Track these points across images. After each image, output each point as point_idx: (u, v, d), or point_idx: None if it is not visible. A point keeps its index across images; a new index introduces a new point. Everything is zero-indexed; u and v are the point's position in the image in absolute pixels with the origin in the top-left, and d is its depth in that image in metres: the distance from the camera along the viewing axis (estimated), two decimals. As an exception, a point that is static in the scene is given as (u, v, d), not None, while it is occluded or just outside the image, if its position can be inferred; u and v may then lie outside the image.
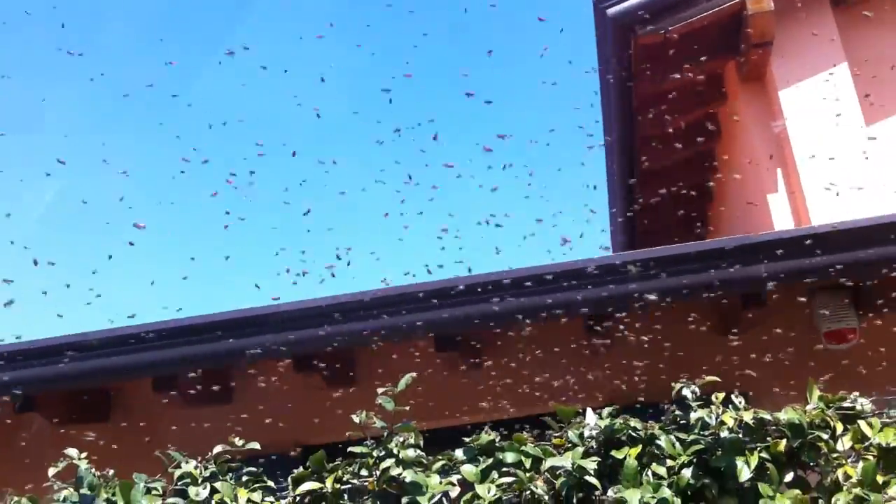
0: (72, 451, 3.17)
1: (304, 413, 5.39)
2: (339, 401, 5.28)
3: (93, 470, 3.17)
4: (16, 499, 3.21)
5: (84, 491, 3.12)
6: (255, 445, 3.27)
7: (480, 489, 3.08)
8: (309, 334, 5.05)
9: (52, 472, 3.18)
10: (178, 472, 3.21)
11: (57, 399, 5.11)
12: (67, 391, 5.09)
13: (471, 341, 5.46)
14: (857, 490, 2.88)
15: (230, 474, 3.23)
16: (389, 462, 3.13)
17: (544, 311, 4.93)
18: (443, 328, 5.10)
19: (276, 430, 5.05)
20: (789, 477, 3.04)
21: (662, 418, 3.22)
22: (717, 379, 3.19)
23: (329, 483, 3.16)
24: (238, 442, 3.26)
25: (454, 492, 3.15)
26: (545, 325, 5.24)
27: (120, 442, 5.00)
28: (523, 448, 3.18)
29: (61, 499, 3.15)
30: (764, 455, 3.05)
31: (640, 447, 3.11)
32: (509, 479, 3.10)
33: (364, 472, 3.22)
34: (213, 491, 3.16)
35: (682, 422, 3.19)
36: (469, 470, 3.15)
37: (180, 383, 5.31)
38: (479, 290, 5.00)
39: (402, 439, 3.20)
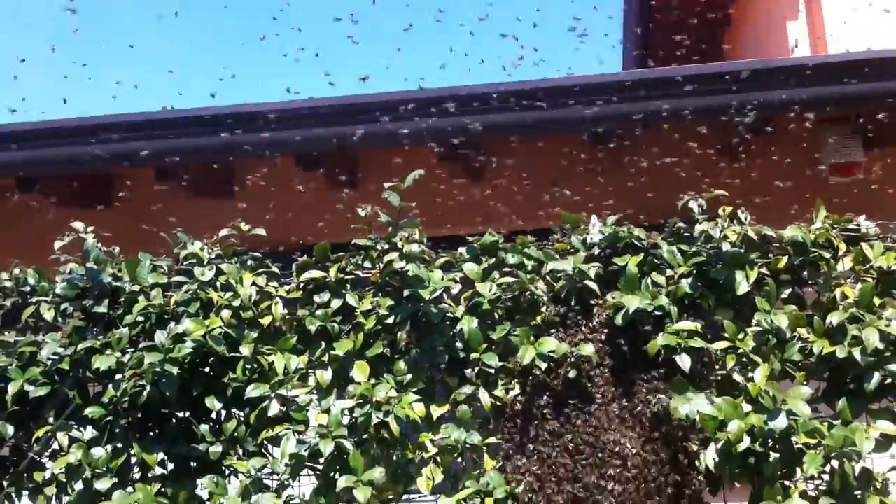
0: (78, 225, 3.18)
1: (305, 213, 5.42)
2: (341, 203, 5.30)
3: (99, 245, 3.19)
4: (21, 269, 3.24)
5: (90, 265, 3.15)
6: (261, 231, 3.29)
7: (481, 287, 3.12)
8: (312, 134, 5.01)
9: (58, 245, 3.20)
10: (183, 253, 3.23)
11: (59, 182, 5.10)
12: (70, 175, 5.08)
13: (475, 153, 5.42)
14: (853, 310, 2.92)
15: (235, 258, 3.26)
16: (393, 255, 3.15)
17: (550, 125, 4.89)
18: (447, 135, 5.05)
19: (278, 227, 5.08)
20: (787, 293, 3.07)
21: (665, 229, 3.23)
22: (725, 193, 3.18)
23: (332, 272, 3.19)
24: (244, 227, 3.27)
25: (455, 288, 3.19)
26: (552, 140, 5.21)
27: (120, 227, 5.04)
28: (526, 250, 3.20)
29: (67, 271, 3.18)
30: (764, 271, 3.07)
31: (641, 256, 3.13)
32: (510, 280, 3.13)
33: (367, 265, 3.25)
34: (219, 272, 3.19)
35: (685, 234, 3.20)
36: (471, 268, 3.18)
37: (183, 174, 5.31)
38: (486, 99, 4.93)
39: (406, 234, 3.22)
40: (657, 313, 3.00)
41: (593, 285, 3.08)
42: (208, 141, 4.84)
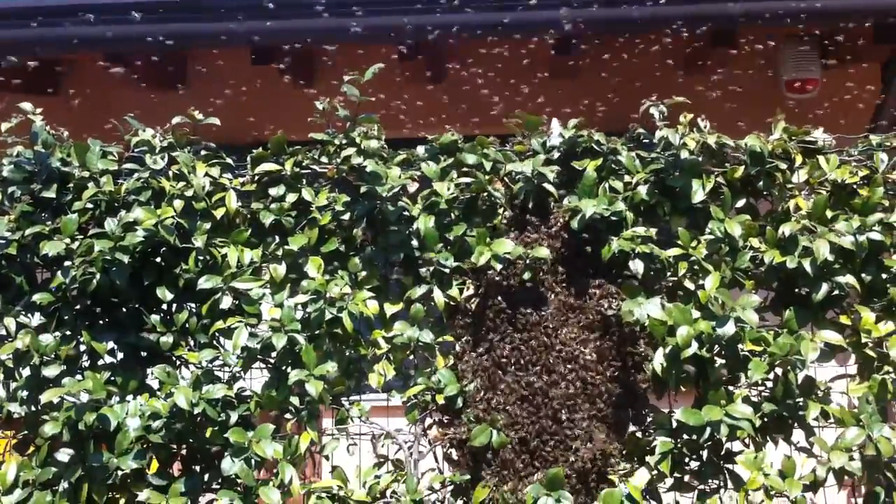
0: (26, 106, 3.07)
1: (260, 108, 5.32)
2: (298, 99, 5.19)
3: (48, 128, 3.09)
4: (-34, 149, 3.14)
5: (38, 148, 3.06)
6: (215, 121, 3.20)
7: (439, 186, 3.09)
8: (267, 26, 4.88)
9: (4, 126, 3.09)
10: (134, 140, 3.15)
11: (5, 67, 4.92)
12: (16, 59, 4.89)
13: (435, 54, 5.34)
14: (806, 221, 2.95)
15: (188, 147, 3.18)
16: (351, 150, 3.11)
17: (510, 28, 4.82)
18: (406, 35, 4.96)
19: (232, 121, 4.98)
20: (741, 203, 3.10)
21: (625, 135, 3.22)
22: (687, 100, 3.16)
23: (288, 166, 3.14)
24: (198, 115, 3.18)
25: (412, 187, 3.16)
26: (512, 45, 5.14)
27: (69, 114, 4.90)
28: (485, 151, 3.17)
29: (15, 154, 3.09)
30: (720, 180, 3.09)
31: (600, 160, 3.12)
32: (468, 180, 3.11)
33: (324, 159, 3.20)
34: (171, 161, 3.12)
35: (644, 141, 3.19)
36: (429, 167, 3.15)
37: (133, 62, 5.16)
38: (449, -1, 4.83)
39: (364, 130, 3.16)
40: (613, 218, 3.01)
41: (551, 188, 3.07)
42: (158, 28, 4.69)
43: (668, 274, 2.99)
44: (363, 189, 3.07)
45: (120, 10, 4.80)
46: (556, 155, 3.17)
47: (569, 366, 2.90)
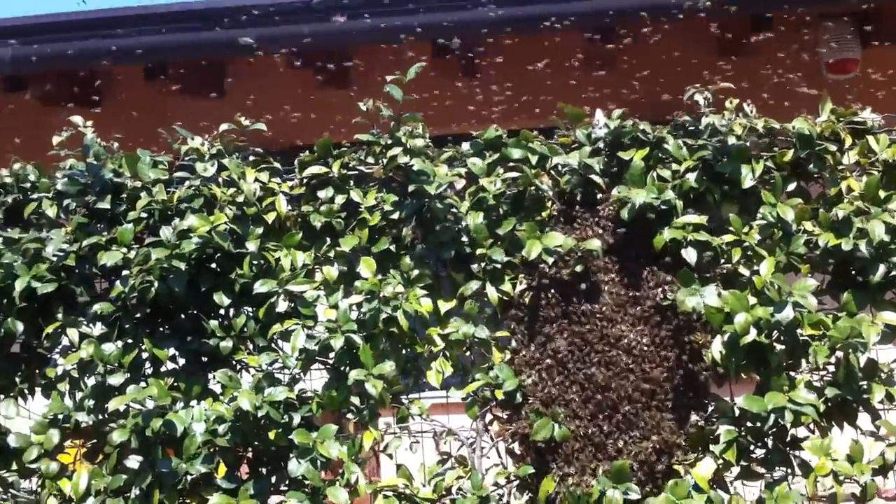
0: (77, 119, 3.12)
1: (299, 112, 5.35)
2: (335, 103, 5.22)
3: (98, 140, 3.14)
4: (21, 165, 3.20)
5: (91, 160, 3.11)
6: (262, 127, 3.24)
7: (485, 182, 3.11)
8: (302, 30, 4.91)
9: (56, 140, 3.15)
10: (184, 148, 3.19)
11: (49, 80, 4.99)
12: (60, 72, 4.97)
13: (470, 50, 5.35)
14: (859, 203, 2.93)
15: (236, 154, 3.22)
16: (397, 150, 3.12)
17: (544, 20, 4.81)
18: (441, 33, 4.97)
19: (272, 127, 5.03)
20: (792, 187, 3.08)
21: (671, 123, 3.21)
22: (731, 86, 3.15)
23: (335, 168, 3.17)
24: (244, 122, 3.22)
25: (459, 183, 3.17)
26: (547, 37, 5.13)
27: (113, 126, 4.95)
28: (530, 145, 3.18)
29: (68, 167, 3.14)
30: (769, 164, 3.07)
31: (647, 150, 3.11)
32: (514, 175, 3.12)
33: (370, 160, 3.22)
34: (221, 168, 3.16)
35: (690, 128, 3.18)
36: (475, 162, 3.16)
37: (172, 72, 5.22)
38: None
39: (409, 129, 3.18)
40: (663, 207, 3.00)
41: (599, 179, 3.08)
42: (199, 37, 4.73)
43: (722, 261, 2.98)
44: (411, 188, 3.09)
45: (159, 21, 4.86)
46: (601, 146, 3.17)
47: (627, 357, 2.90)
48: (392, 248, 3.10)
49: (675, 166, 3.10)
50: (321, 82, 5.43)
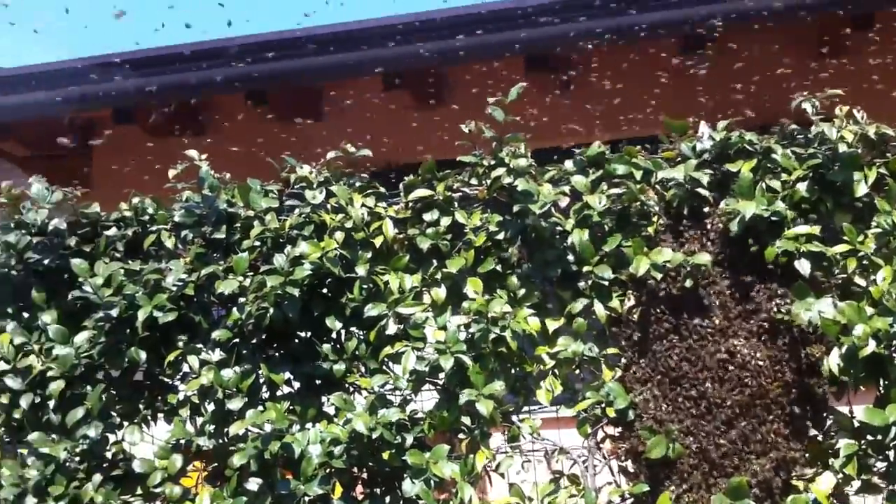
0: (192, 153, 3.24)
1: (396, 133, 5.43)
2: (430, 121, 5.30)
3: (212, 172, 3.24)
4: (140, 199, 3.33)
5: (206, 192, 3.21)
6: (367, 153, 3.30)
7: (591, 199, 3.10)
8: (399, 52, 4.99)
9: (172, 173, 3.27)
10: (293, 177, 3.27)
11: (152, 112, 5.18)
12: (162, 104, 5.15)
13: (562, 62, 5.35)
14: (979, 204, 2.84)
15: (343, 180, 3.29)
16: (501, 171, 3.15)
17: (641, 29, 4.78)
18: (535, 46, 4.99)
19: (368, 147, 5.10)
20: (907, 192, 2.99)
21: (778, 132, 3.16)
22: (840, 92, 3.08)
23: (440, 190, 3.21)
24: (350, 149, 3.29)
25: (563, 202, 3.18)
26: (642, 46, 5.11)
27: (218, 152, 5.11)
28: (634, 160, 3.17)
29: (184, 199, 3.26)
30: (883, 171, 3.00)
31: (755, 161, 3.07)
32: (619, 191, 3.11)
33: (474, 181, 3.25)
34: (329, 195, 3.23)
35: (798, 136, 3.12)
36: (579, 180, 3.16)
37: (272, 99, 5.36)
38: (573, 6, 4.84)
39: (512, 149, 3.20)
40: (773, 219, 2.95)
41: (706, 192, 3.04)
42: (301, 63, 4.85)
43: (836, 272, 2.92)
44: (515, 208, 3.11)
45: (255, 50, 5.00)
46: (707, 158, 3.13)
47: (741, 372, 2.86)
48: (498, 267, 3.12)
49: (784, 176, 3.05)
50: (415, 102, 5.50)
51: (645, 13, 4.92)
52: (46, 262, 3.21)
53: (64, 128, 5.21)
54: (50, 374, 3.09)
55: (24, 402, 3.09)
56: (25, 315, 3.23)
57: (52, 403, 3.10)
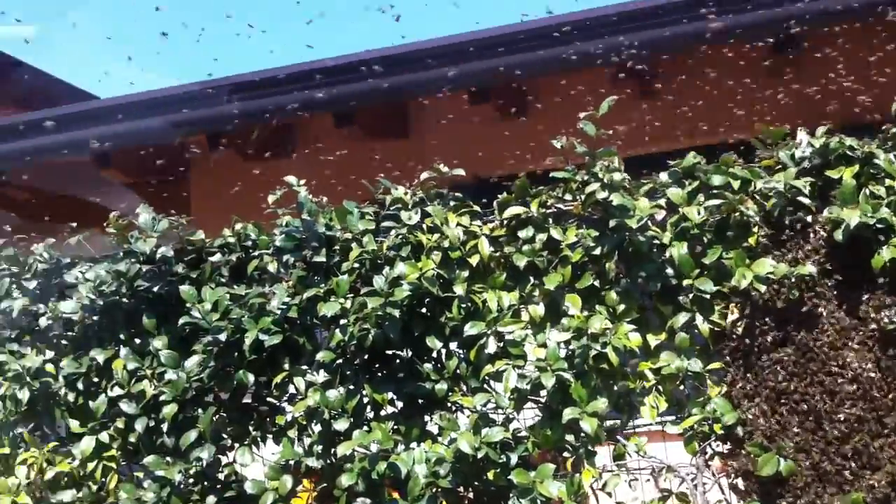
0: (291, 179, 3.31)
1: (481, 145, 5.45)
2: (517, 132, 5.31)
3: (310, 197, 3.31)
4: (242, 225, 3.41)
5: (305, 216, 3.28)
6: (461, 172, 3.33)
7: (688, 211, 3.07)
8: (485, 65, 5.00)
9: (271, 199, 3.34)
10: (389, 198, 3.32)
11: (246, 135, 5.30)
12: (251, 128, 5.25)
13: (652, 69, 5.30)
14: None
15: (437, 200, 3.32)
16: (595, 186, 3.14)
17: (735, 31, 4.70)
18: (618, 54, 4.95)
19: (452, 161, 5.13)
20: None
21: (879, 136, 3.09)
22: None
23: (534, 207, 3.22)
24: (443, 168, 3.32)
25: (660, 214, 3.16)
26: (732, 47, 5.02)
27: (308, 172, 5.20)
28: (731, 170, 3.13)
29: (284, 224, 3.33)
30: None
31: (856, 167, 3.00)
32: (717, 202, 3.07)
33: (568, 197, 3.25)
34: (425, 215, 3.27)
35: (903, 140, 3.04)
36: (676, 192, 3.13)
37: (359, 117, 5.43)
38: (655, 13, 4.79)
39: (605, 164, 3.19)
40: (879, 226, 2.88)
41: (807, 201, 2.99)
42: (383, 83, 4.90)
43: (949, 279, 2.83)
44: (612, 223, 3.09)
45: (343, 71, 5.07)
46: (807, 166, 3.08)
47: (852, 385, 2.80)
48: (596, 283, 3.11)
49: (888, 182, 2.98)
50: (501, 115, 5.51)
51: (737, 14, 4.83)
52: (156, 289, 3.31)
53: (162, 154, 5.37)
54: (163, 398, 3.19)
55: (139, 425, 3.20)
56: (137, 341, 3.34)
57: (165, 427, 3.20)
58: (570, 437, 2.95)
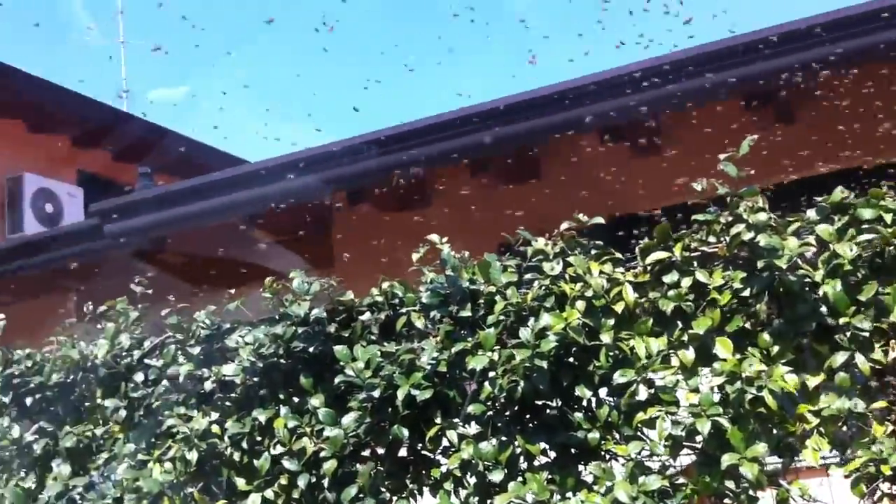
0: (433, 237, 3.40)
1: (612, 182, 5.45)
2: (649, 168, 5.29)
3: (453, 253, 3.39)
4: (389, 283, 3.52)
5: (449, 272, 3.36)
6: (600, 220, 3.35)
7: (839, 248, 3.00)
8: (618, 104, 5.02)
9: (415, 257, 3.45)
10: (530, 250, 3.36)
11: (385, 188, 5.44)
12: (389, 180, 5.38)
13: (782, 97, 5.20)
14: None
15: (578, 248, 3.35)
16: (740, 227, 3.10)
17: (876, 51, 4.58)
18: (753, 83, 4.89)
19: (587, 201, 5.15)
20: None
21: None
22: None
23: (677, 252, 3.20)
24: (582, 218, 3.35)
25: (809, 252, 3.09)
26: (870, 69, 4.89)
27: (443, 222, 5.31)
28: (881, 203, 3.04)
29: (428, 280, 3.42)
30: None
31: None
32: (869, 236, 2.99)
33: (711, 239, 3.22)
34: (566, 265, 3.29)
35: None
36: (824, 229, 3.06)
37: (493, 164, 5.52)
38: (798, 36, 4.71)
39: (749, 204, 3.15)
40: None
41: (970, 231, 2.87)
42: (522, 127, 4.97)
43: None
44: (760, 263, 3.05)
45: (473, 119, 5.17)
46: (964, 193, 2.97)
47: None
48: (747, 325, 3.07)
49: None
50: (632, 151, 5.50)
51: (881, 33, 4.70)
52: (311, 349, 3.45)
53: (307, 210, 5.59)
54: (322, 454, 3.30)
55: (302, 482, 3.31)
56: (296, 400, 3.47)
57: (326, 482, 3.31)
58: (730, 483, 2.91)
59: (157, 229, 5.77)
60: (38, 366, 4.00)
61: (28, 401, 3.98)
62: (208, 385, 3.58)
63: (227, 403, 3.57)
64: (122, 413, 3.73)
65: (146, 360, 3.77)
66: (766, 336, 3.03)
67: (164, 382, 3.68)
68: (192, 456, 3.48)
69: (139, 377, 3.74)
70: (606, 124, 5.21)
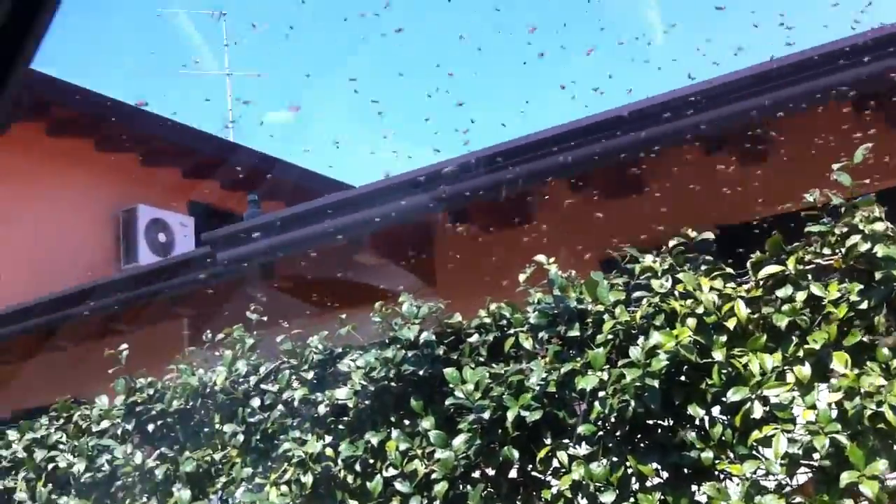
0: (540, 258, 3.41)
1: (717, 192, 5.34)
2: (754, 175, 5.17)
3: (560, 272, 3.39)
4: (496, 305, 3.54)
5: (556, 292, 3.37)
6: (709, 235, 3.31)
7: (963, 256, 2.89)
8: (723, 112, 4.92)
9: (522, 277, 3.46)
10: (638, 267, 3.34)
11: (479, 208, 5.46)
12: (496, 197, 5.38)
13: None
14: None
15: (687, 265, 3.31)
16: (856, 238, 3.02)
17: None
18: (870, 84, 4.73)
19: (692, 211, 5.05)
20: None
21: None
22: None
23: (791, 265, 3.13)
24: (691, 233, 3.31)
25: (929, 261, 2.98)
26: None
27: (541, 241, 5.28)
28: None
29: (536, 301, 3.43)
30: None
31: None
32: None
33: (826, 251, 3.14)
34: (675, 282, 3.26)
35: None
36: (945, 238, 2.95)
37: (595, 180, 5.48)
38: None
39: (865, 214, 3.06)
40: None
41: None
42: (619, 143, 4.92)
43: None
44: (878, 275, 2.96)
45: (581, 134, 5.13)
46: None
47: None
48: (865, 339, 2.98)
49: None
50: (737, 159, 5.38)
51: None
52: (421, 372, 3.50)
53: (412, 230, 5.66)
54: (434, 476, 3.34)
55: (414, 504, 3.36)
56: (406, 422, 3.52)
57: (438, 504, 3.34)
58: (849, 502, 2.82)
59: (267, 255, 5.91)
60: (160, 393, 4.16)
61: (150, 427, 4.15)
62: (322, 409, 3.66)
63: (340, 426, 3.65)
64: (240, 438, 3.85)
65: (262, 386, 3.88)
66: (885, 349, 2.93)
67: (280, 407, 3.78)
68: (307, 479, 3.56)
69: (255, 402, 3.86)
70: (711, 134, 5.11)
